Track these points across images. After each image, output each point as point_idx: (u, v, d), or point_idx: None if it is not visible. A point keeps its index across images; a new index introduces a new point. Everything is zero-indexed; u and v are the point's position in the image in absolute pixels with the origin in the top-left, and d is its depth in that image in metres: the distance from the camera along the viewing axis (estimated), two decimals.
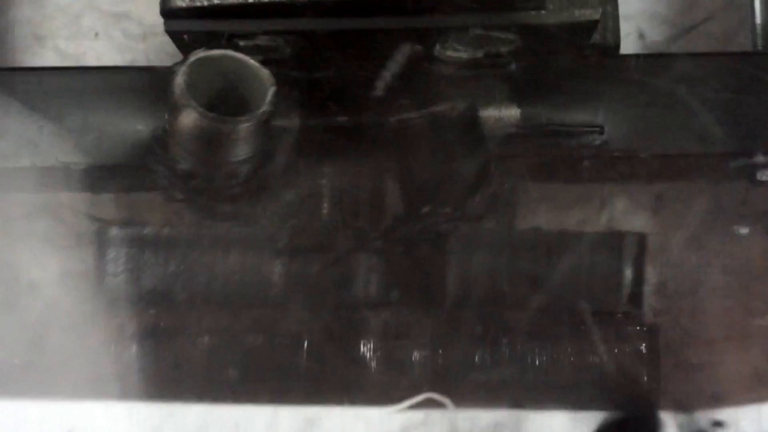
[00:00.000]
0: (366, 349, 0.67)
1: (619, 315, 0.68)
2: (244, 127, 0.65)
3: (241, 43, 0.70)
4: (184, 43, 0.70)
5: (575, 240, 0.66)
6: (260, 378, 0.65)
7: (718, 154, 0.76)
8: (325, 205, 0.76)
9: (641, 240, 0.67)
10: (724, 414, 0.56)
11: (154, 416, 0.57)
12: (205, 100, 0.64)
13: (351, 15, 0.67)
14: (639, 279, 0.66)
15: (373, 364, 0.67)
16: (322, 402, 0.65)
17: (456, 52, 0.73)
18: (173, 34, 0.69)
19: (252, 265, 0.68)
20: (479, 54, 0.73)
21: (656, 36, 0.85)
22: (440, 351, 0.66)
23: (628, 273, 0.66)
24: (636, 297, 0.66)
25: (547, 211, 1.01)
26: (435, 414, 0.56)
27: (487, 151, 0.80)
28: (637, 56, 0.76)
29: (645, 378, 0.66)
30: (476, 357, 0.66)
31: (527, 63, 0.75)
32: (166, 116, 0.73)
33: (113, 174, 0.77)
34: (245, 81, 0.66)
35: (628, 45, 0.92)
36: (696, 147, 0.75)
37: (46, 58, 1.05)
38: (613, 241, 0.66)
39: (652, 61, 0.75)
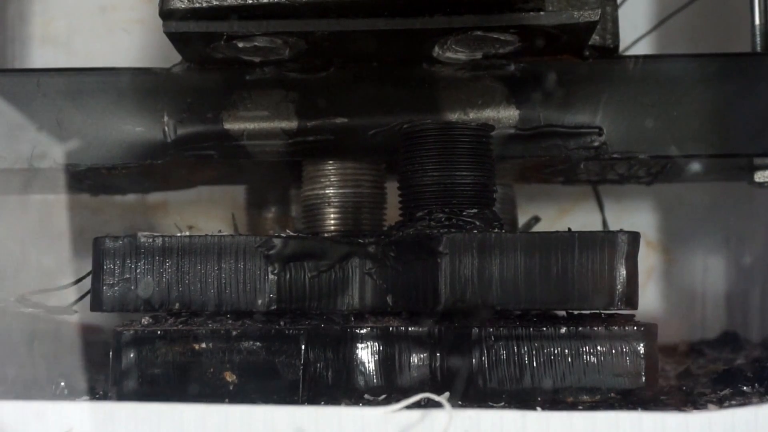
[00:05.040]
0: (362, 352, 0.67)
1: (614, 314, 0.68)
2: None
3: (240, 44, 0.70)
4: (183, 44, 0.70)
5: (569, 240, 0.66)
6: (257, 381, 0.65)
7: (717, 155, 0.76)
8: (327, 210, 0.76)
9: (635, 239, 0.67)
10: (721, 414, 0.56)
11: (152, 416, 0.57)
12: None
13: (350, 16, 0.67)
14: (633, 278, 0.66)
15: (370, 366, 0.67)
16: (319, 403, 0.65)
17: (455, 53, 0.73)
18: (172, 35, 0.69)
19: (245, 273, 0.68)
20: (478, 55, 0.73)
21: None
22: (437, 353, 0.66)
23: (622, 272, 0.66)
24: (630, 296, 0.66)
25: (544, 212, 1.01)
26: (432, 414, 0.56)
27: None
28: (636, 57, 0.76)
29: (643, 376, 0.66)
30: (472, 358, 0.66)
31: (526, 64, 0.75)
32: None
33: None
34: None
35: None
36: (695, 148, 0.75)
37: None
38: (607, 240, 0.66)
39: (651, 62, 0.75)
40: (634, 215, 1.06)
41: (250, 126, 0.75)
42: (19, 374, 0.78)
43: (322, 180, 0.76)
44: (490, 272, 0.66)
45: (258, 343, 0.66)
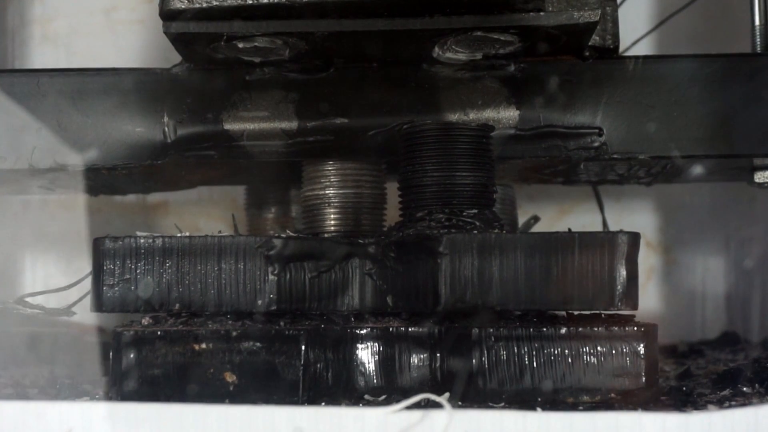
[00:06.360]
0: (362, 352, 0.67)
1: (614, 315, 0.68)
2: None
3: (240, 44, 0.70)
4: (183, 44, 0.70)
5: (569, 240, 0.66)
6: (257, 382, 0.65)
7: (717, 155, 0.76)
8: (327, 211, 0.76)
9: (635, 239, 0.67)
10: (721, 414, 0.56)
11: (152, 416, 0.57)
12: None
13: (350, 17, 0.67)
14: (633, 278, 0.66)
15: (370, 367, 0.67)
16: (319, 404, 0.65)
17: (455, 53, 0.73)
18: (172, 36, 0.68)
19: (245, 273, 0.68)
20: (478, 56, 0.73)
21: None
22: (437, 354, 0.66)
23: (622, 272, 0.66)
24: (630, 296, 0.66)
25: (544, 212, 1.01)
26: (432, 414, 0.56)
27: None
28: (636, 58, 0.75)
29: (643, 377, 0.66)
30: (473, 359, 0.66)
31: (526, 65, 0.75)
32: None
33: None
34: None
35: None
36: (695, 149, 0.75)
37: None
38: (607, 240, 0.66)
39: (651, 62, 0.75)
40: (634, 215, 1.06)
41: (250, 126, 0.75)
42: (20, 375, 0.78)
43: (322, 180, 0.76)
44: (490, 273, 0.66)
45: (258, 344, 0.66)
